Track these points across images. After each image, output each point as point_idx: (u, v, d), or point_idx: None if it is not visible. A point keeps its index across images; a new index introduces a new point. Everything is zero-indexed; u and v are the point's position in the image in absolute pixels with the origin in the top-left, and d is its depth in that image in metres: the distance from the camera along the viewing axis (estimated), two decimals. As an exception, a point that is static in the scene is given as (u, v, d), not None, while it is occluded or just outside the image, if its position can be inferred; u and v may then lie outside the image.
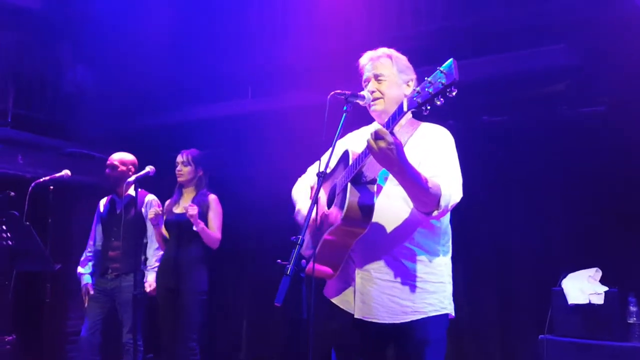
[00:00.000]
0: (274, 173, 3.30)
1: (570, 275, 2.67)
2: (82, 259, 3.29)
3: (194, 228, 2.96)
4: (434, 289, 1.61)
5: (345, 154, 1.65)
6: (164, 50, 4.00)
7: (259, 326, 3.98)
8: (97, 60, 4.28)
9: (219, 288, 3.63)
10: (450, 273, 1.69)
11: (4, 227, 2.70)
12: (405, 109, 1.39)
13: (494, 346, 3.17)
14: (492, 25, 2.98)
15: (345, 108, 1.60)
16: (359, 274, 1.63)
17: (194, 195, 3.19)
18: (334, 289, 1.71)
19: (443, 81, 1.30)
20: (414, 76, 1.74)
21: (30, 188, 2.94)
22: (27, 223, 2.70)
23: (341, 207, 1.53)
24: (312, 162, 1.86)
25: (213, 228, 3.11)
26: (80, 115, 4.23)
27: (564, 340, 2.56)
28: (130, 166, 3.24)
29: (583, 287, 2.58)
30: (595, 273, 2.63)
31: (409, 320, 1.58)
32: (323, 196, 1.73)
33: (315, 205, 1.52)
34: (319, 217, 1.67)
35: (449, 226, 1.69)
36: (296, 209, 1.82)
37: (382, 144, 1.39)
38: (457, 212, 1.62)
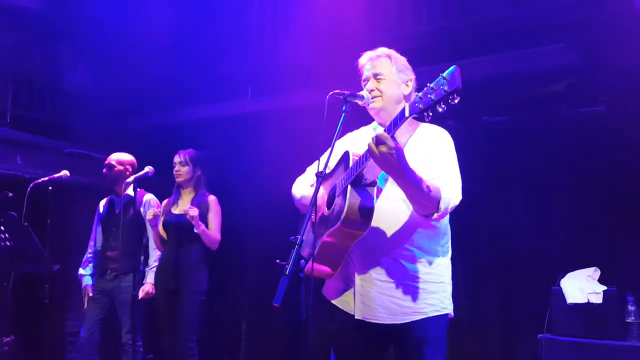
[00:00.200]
0: (274, 173, 3.29)
1: (569, 275, 2.67)
2: (83, 260, 3.29)
3: (195, 230, 2.96)
4: (434, 289, 1.62)
5: (346, 155, 1.65)
6: (163, 51, 4.00)
7: (259, 327, 3.97)
8: (96, 60, 4.28)
9: (218, 288, 3.62)
10: (450, 273, 1.69)
11: (2, 227, 2.70)
12: (407, 114, 1.39)
13: (494, 346, 3.18)
14: (491, 25, 2.99)
15: (344, 108, 1.60)
16: (358, 276, 1.63)
17: (192, 195, 3.19)
18: (333, 290, 1.72)
19: (445, 88, 1.29)
20: (413, 76, 1.74)
21: (28, 188, 2.94)
22: (26, 224, 2.70)
23: (341, 209, 1.53)
24: (311, 163, 1.86)
25: (213, 229, 3.11)
26: (79, 115, 4.23)
27: (562, 339, 2.57)
28: (128, 166, 3.23)
29: (582, 286, 2.58)
30: (593, 272, 2.63)
31: (409, 320, 1.58)
32: (323, 196, 1.73)
33: (315, 206, 1.51)
34: (318, 218, 1.67)
35: (448, 226, 1.70)
36: (299, 196, 1.81)
37: (384, 149, 1.39)
38: (457, 212, 1.62)
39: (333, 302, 1.71)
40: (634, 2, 2.53)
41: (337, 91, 1.60)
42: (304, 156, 1.93)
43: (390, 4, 3.31)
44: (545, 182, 3.10)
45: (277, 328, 3.85)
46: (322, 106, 1.55)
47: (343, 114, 1.59)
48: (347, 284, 1.66)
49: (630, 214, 2.80)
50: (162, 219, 3.14)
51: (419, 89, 1.73)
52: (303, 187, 1.84)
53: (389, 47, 1.77)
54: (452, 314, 1.67)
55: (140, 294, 3.05)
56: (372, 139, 1.41)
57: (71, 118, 4.24)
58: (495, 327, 3.18)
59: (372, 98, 1.69)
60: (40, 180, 3.02)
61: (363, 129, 1.85)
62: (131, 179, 2.89)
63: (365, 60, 1.74)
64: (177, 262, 3.06)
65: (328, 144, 1.56)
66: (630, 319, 2.51)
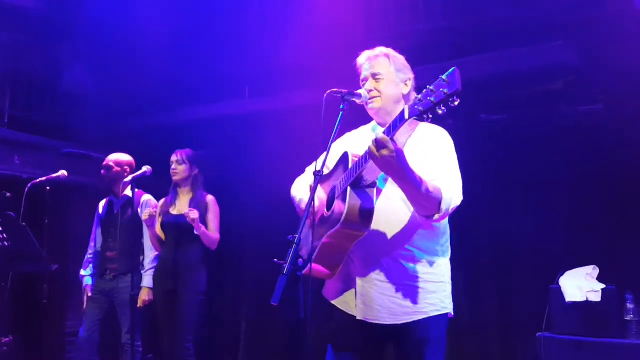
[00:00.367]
0: (272, 173, 3.29)
1: (568, 273, 2.67)
2: (84, 260, 3.29)
3: (195, 232, 2.96)
4: (435, 288, 1.62)
5: (345, 156, 1.65)
6: (161, 51, 4.00)
7: (258, 326, 3.97)
8: (95, 60, 4.28)
9: (217, 288, 3.62)
10: (450, 272, 1.69)
11: (0, 228, 2.69)
12: (406, 116, 1.38)
13: (494, 345, 3.18)
14: (489, 24, 2.99)
15: (341, 107, 1.59)
16: (359, 277, 1.63)
17: (190, 195, 3.18)
18: (333, 291, 1.72)
19: (445, 91, 1.29)
20: (411, 75, 1.74)
21: (26, 188, 2.93)
22: (24, 224, 2.69)
23: (341, 211, 1.53)
24: (310, 162, 1.86)
25: (212, 229, 3.10)
26: (77, 115, 4.22)
27: (561, 337, 2.57)
28: (126, 167, 3.23)
29: (581, 284, 2.58)
30: (592, 271, 2.64)
31: (410, 320, 1.59)
32: (323, 197, 1.73)
33: (312, 204, 1.51)
34: (318, 220, 1.67)
35: (448, 226, 1.70)
36: (298, 200, 1.82)
37: (385, 152, 1.39)
38: (456, 211, 1.61)
39: (333, 302, 1.71)
40: (634, 2, 2.53)
41: (335, 89, 1.60)
42: (303, 156, 1.92)
43: (388, 4, 3.30)
44: (544, 181, 3.10)
45: (276, 328, 3.85)
46: (320, 106, 1.54)
47: (341, 113, 1.58)
48: (348, 285, 1.66)
49: (628, 211, 2.80)
50: (159, 219, 3.13)
51: (417, 88, 1.73)
52: (302, 189, 1.83)
53: (388, 45, 1.77)
54: (452, 314, 1.67)
55: (139, 304, 3.04)
56: (372, 142, 1.41)
57: (69, 118, 4.23)
58: (495, 327, 3.18)
59: (371, 98, 1.68)
60: (38, 180, 3.02)
61: (362, 128, 1.85)
62: (129, 179, 2.89)
63: (364, 59, 1.74)
64: (176, 262, 3.05)
65: (326, 142, 1.56)
66: (629, 317, 2.52)
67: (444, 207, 1.50)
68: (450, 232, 1.71)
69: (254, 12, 3.83)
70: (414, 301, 1.59)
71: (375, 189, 1.57)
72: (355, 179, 1.54)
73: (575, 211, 2.95)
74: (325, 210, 1.67)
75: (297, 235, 1.40)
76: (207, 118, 3.91)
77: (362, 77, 1.74)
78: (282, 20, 3.73)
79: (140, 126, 4.14)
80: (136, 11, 4.01)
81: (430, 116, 1.34)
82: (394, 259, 1.60)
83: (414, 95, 1.70)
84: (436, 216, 1.51)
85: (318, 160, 1.65)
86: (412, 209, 1.57)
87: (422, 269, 1.61)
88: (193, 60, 3.93)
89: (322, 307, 1.72)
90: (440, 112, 1.31)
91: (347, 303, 1.67)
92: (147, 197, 3.29)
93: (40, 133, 4.07)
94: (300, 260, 1.38)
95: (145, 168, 2.93)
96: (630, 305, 2.53)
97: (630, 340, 2.48)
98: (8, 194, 2.91)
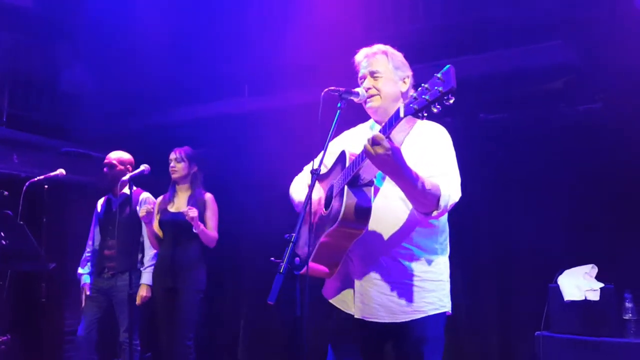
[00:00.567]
0: (271, 172, 3.29)
1: (566, 272, 2.67)
2: (82, 259, 3.29)
3: (194, 230, 2.95)
4: (433, 287, 1.62)
5: (342, 154, 1.65)
6: (160, 50, 3.99)
7: (258, 326, 3.97)
8: (94, 59, 4.27)
9: (216, 288, 3.62)
10: (448, 271, 1.68)
11: (-2, 227, 2.69)
12: (401, 115, 1.38)
13: (494, 345, 3.18)
14: (489, 23, 2.98)
15: (339, 105, 1.59)
16: (357, 275, 1.63)
17: (188, 193, 3.18)
18: (332, 290, 1.71)
19: (440, 89, 1.29)
20: (409, 73, 1.73)
21: (24, 187, 2.93)
22: (21, 222, 2.69)
23: (338, 209, 1.52)
24: (309, 161, 1.85)
25: (210, 227, 3.10)
26: (76, 114, 4.22)
27: (560, 336, 2.57)
28: (128, 165, 3.24)
29: (579, 283, 2.58)
30: (591, 269, 2.63)
31: (409, 319, 1.58)
32: (321, 196, 1.73)
33: (309, 203, 1.51)
34: (316, 218, 1.67)
35: (447, 224, 1.69)
36: (296, 201, 1.82)
37: (380, 150, 1.38)
38: (455, 210, 1.61)
39: (331, 301, 1.71)
40: (634, 1, 2.52)
41: (333, 88, 1.59)
42: (302, 155, 1.92)
43: (387, 2, 3.30)
44: (543, 180, 3.10)
45: (276, 327, 3.85)
46: (319, 104, 1.54)
47: (338, 111, 1.58)
48: (346, 284, 1.66)
49: (627, 210, 2.79)
50: (157, 217, 3.13)
51: (416, 85, 1.72)
52: (300, 188, 1.83)
53: (386, 43, 1.76)
54: (451, 312, 1.66)
55: (138, 301, 3.04)
56: (368, 140, 1.40)
57: (68, 117, 4.23)
58: (494, 327, 3.18)
59: (369, 96, 1.68)
60: (36, 179, 3.01)
61: (360, 126, 1.84)
62: (127, 177, 2.89)
63: (362, 57, 1.73)
64: (175, 260, 3.05)
65: (324, 141, 1.56)
66: (627, 316, 2.52)
67: (442, 203, 1.49)
68: (450, 231, 1.70)
69: (253, 12, 3.82)
70: (413, 300, 1.58)
71: (372, 188, 1.56)
72: (353, 178, 1.53)
73: (574, 210, 2.95)
74: (324, 209, 1.67)
75: (293, 234, 1.40)
76: (206, 117, 3.91)
77: (360, 74, 1.73)
78: (281, 19, 3.72)
79: (139, 125, 4.13)
80: (135, 11, 4.01)
81: (426, 114, 1.33)
82: (393, 257, 1.60)
83: (412, 92, 1.69)
84: (434, 213, 1.51)
85: (315, 159, 1.65)
86: (410, 207, 1.57)
87: (420, 267, 1.61)
88: (192, 60, 3.92)
89: (320, 306, 1.72)
90: (435, 110, 1.31)
91: (345, 302, 1.66)
92: (145, 195, 3.29)
93: (39, 132, 4.08)
94: (297, 259, 1.37)
95: (143, 166, 2.93)
96: (628, 304, 2.53)
97: (629, 339, 2.48)
98: (5, 193, 2.90)
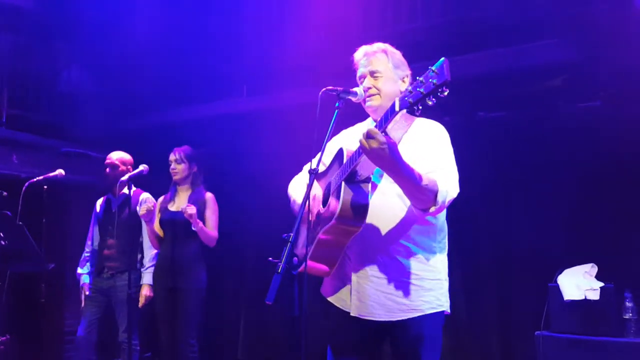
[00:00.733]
0: (270, 171, 3.29)
1: (566, 271, 2.67)
2: (81, 259, 3.29)
3: (193, 228, 2.95)
4: (431, 286, 1.61)
5: (340, 152, 1.64)
6: (159, 50, 3.99)
7: (257, 325, 3.97)
8: (92, 59, 4.28)
9: (216, 287, 3.62)
10: (447, 270, 1.68)
11: (-3, 227, 2.69)
12: (397, 108, 1.38)
13: (493, 345, 3.17)
14: (487, 21, 2.98)
15: (337, 104, 1.58)
16: (354, 273, 1.62)
17: (189, 192, 3.18)
18: (330, 288, 1.71)
19: (434, 81, 1.29)
20: (409, 72, 1.73)
21: (24, 188, 2.93)
22: (20, 223, 2.69)
23: (335, 206, 1.52)
24: (307, 160, 1.85)
25: (210, 226, 3.09)
26: (75, 114, 4.22)
27: (560, 336, 2.56)
28: (129, 166, 3.25)
29: (579, 282, 2.58)
30: (590, 269, 2.63)
31: (405, 317, 1.58)
32: (319, 194, 1.73)
33: (307, 202, 1.51)
34: (314, 216, 1.67)
35: (445, 223, 1.69)
36: (292, 200, 1.82)
37: (374, 143, 1.38)
38: (454, 208, 1.61)
39: (329, 299, 1.70)
40: (634, 1, 2.52)
41: (330, 87, 1.59)
42: (300, 154, 1.92)
43: (387, 1, 3.29)
44: (543, 179, 3.09)
45: (275, 326, 3.85)
46: (317, 104, 1.54)
47: (336, 111, 1.57)
48: (344, 281, 1.65)
49: (627, 209, 2.79)
50: (158, 216, 3.13)
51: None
52: (298, 188, 1.83)
53: (384, 42, 1.76)
54: (449, 311, 1.66)
55: (141, 301, 3.04)
56: (363, 134, 1.40)
57: (68, 117, 4.23)
58: (494, 327, 3.18)
59: (369, 96, 1.67)
60: (35, 180, 3.01)
61: (358, 125, 1.84)
62: (126, 177, 2.89)
63: (361, 55, 1.73)
64: (175, 259, 3.04)
65: (322, 140, 1.55)
66: (627, 316, 2.51)
67: (440, 199, 1.48)
68: (449, 230, 1.70)
69: (251, 12, 3.82)
70: (410, 298, 1.58)
71: (369, 184, 1.56)
72: (350, 174, 1.53)
73: (574, 209, 2.94)
74: (321, 206, 1.67)
75: (291, 234, 1.39)
76: (205, 117, 3.91)
77: (359, 73, 1.72)
78: (279, 19, 3.72)
79: (138, 125, 4.13)
80: (134, 11, 4.01)
81: (421, 107, 1.33)
82: (390, 254, 1.59)
83: (407, 86, 1.69)
84: (432, 209, 1.50)
85: (313, 159, 1.64)
86: (408, 204, 1.56)
87: (418, 265, 1.60)
88: (191, 60, 3.92)
89: (318, 305, 1.72)
90: (430, 103, 1.31)
91: (342, 300, 1.66)
92: (146, 195, 3.29)
93: (38, 132, 4.08)
94: (295, 258, 1.37)
95: (142, 167, 2.93)
96: (628, 304, 2.53)
97: (629, 338, 2.47)
98: (5, 193, 2.90)
